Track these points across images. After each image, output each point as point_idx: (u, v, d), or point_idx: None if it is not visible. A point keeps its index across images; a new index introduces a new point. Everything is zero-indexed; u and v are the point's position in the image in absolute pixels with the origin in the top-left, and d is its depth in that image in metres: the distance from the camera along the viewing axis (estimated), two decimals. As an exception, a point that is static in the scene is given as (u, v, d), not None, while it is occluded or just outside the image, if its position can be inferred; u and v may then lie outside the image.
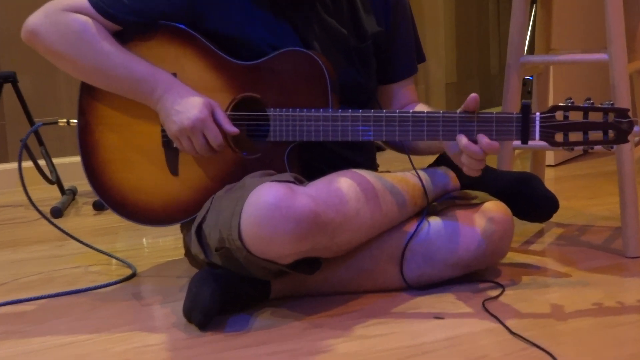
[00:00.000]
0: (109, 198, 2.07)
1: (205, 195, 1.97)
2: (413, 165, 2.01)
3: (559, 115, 1.78)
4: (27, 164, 3.17)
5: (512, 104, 2.36)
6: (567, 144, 1.78)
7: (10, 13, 3.63)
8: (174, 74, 1.97)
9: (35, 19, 1.98)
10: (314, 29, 2.02)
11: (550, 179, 3.34)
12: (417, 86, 2.21)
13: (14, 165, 3.55)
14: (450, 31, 4.81)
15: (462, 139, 1.80)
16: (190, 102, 1.91)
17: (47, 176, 3.13)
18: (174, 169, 2.02)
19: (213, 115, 1.92)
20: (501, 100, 2.42)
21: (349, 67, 2.05)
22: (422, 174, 2.03)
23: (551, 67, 2.82)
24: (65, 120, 2.96)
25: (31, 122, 3.17)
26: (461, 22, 4.90)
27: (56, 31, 1.96)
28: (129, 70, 1.95)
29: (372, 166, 2.17)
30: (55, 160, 3.30)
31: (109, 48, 1.95)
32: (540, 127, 1.78)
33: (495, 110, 4.88)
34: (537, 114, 1.78)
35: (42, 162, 3.17)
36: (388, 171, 2.08)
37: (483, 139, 1.79)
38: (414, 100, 2.19)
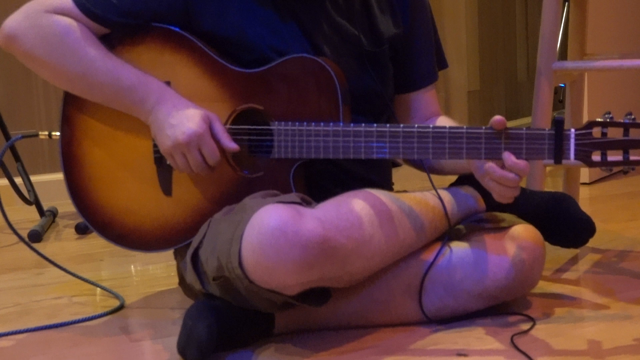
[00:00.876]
0: (94, 219, 2.08)
1: (202, 218, 1.98)
2: (433, 185, 2.01)
3: (596, 131, 1.78)
4: (2, 181, 3.19)
5: (542, 116, 2.37)
6: (606, 164, 1.78)
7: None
8: (167, 83, 1.99)
9: (13, 21, 2.00)
10: (324, 30, 2.03)
11: (585, 199, 3.34)
12: (437, 94, 2.21)
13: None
14: (472, 32, 4.82)
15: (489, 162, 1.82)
16: (185, 114, 1.93)
17: (24, 196, 3.15)
18: (167, 189, 2.03)
19: (211, 129, 1.93)
20: (530, 110, 2.42)
21: (362, 74, 2.06)
22: (443, 194, 2.03)
23: (586, 74, 2.83)
24: (46, 132, 2.98)
25: (6, 134, 3.19)
26: (485, 22, 4.91)
27: (36, 34, 1.98)
28: (116, 77, 1.97)
29: (388, 185, 2.18)
30: (33, 178, 3.31)
31: (94, 53, 1.97)
32: (576, 145, 1.79)
33: (524, 121, 4.91)
34: (572, 130, 1.79)
35: (18, 180, 3.18)
36: (405, 191, 2.09)
37: (509, 157, 1.80)
38: (435, 111, 2.20)
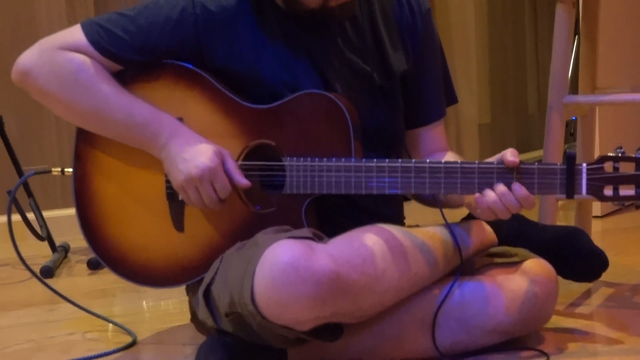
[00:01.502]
0: (106, 255, 2.08)
1: (214, 253, 1.98)
2: (445, 219, 2.01)
3: (607, 166, 1.79)
4: (14, 217, 3.20)
5: (554, 150, 2.38)
6: (618, 199, 1.79)
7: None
8: (180, 119, 2.00)
9: (27, 58, 2.01)
10: (335, 66, 2.04)
11: (598, 232, 3.34)
12: (448, 127, 2.21)
13: (1, 218, 3.57)
14: (483, 64, 4.83)
15: (500, 186, 1.82)
16: (198, 149, 1.94)
17: (36, 231, 3.16)
18: (179, 224, 2.03)
19: (223, 164, 1.94)
20: (541, 143, 2.43)
21: (374, 108, 2.06)
22: (455, 228, 2.03)
23: (597, 108, 2.84)
24: (59, 169, 2.99)
25: (19, 169, 3.20)
26: (495, 53, 4.92)
27: (50, 71, 1.99)
28: (129, 113, 1.98)
29: (399, 219, 2.18)
30: (46, 214, 3.32)
31: (107, 90, 1.98)
32: (588, 180, 1.79)
33: (535, 154, 4.91)
34: (584, 165, 1.79)
35: (30, 216, 3.19)
36: (417, 225, 2.09)
37: (520, 189, 1.81)
38: (443, 147, 2.19)
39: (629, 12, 3.57)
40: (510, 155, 1.82)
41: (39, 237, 3.19)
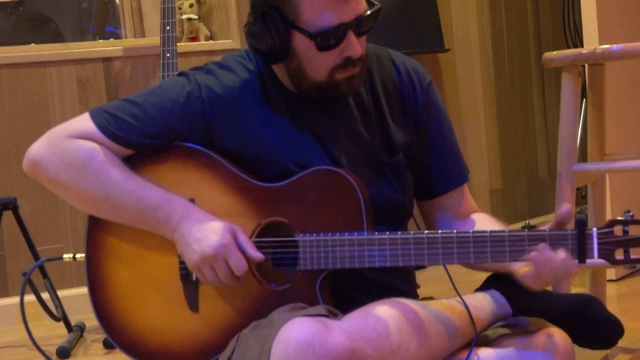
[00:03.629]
0: (121, 339, 2.08)
1: (230, 333, 1.98)
2: (457, 292, 2.01)
3: (617, 230, 1.80)
4: (30, 297, 3.21)
5: (565, 218, 2.37)
6: (629, 262, 1.80)
7: (9, 135, 3.73)
8: (192, 200, 2.01)
9: (37, 148, 2.03)
10: (340, 140, 2.06)
11: (613, 296, 3.32)
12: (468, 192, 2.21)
13: (16, 299, 3.58)
14: (492, 130, 4.85)
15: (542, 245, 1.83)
16: (210, 227, 1.95)
17: (51, 312, 3.16)
18: (193, 305, 2.04)
19: (236, 240, 1.95)
20: (553, 207, 2.44)
21: (380, 183, 2.07)
22: (469, 299, 2.03)
23: (607, 174, 2.85)
24: (70, 255, 3.00)
25: (33, 252, 3.23)
26: (504, 120, 4.94)
27: (60, 160, 2.01)
28: (140, 198, 1.99)
29: (413, 291, 2.17)
30: (61, 293, 3.34)
31: (117, 175, 2.00)
32: (599, 244, 1.80)
33: (547, 218, 4.91)
34: (594, 230, 1.81)
35: (45, 295, 3.20)
36: (431, 297, 2.09)
37: (563, 252, 1.81)
38: (470, 209, 2.19)
39: (635, 78, 3.60)
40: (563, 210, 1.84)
41: (55, 318, 3.19)
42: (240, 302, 2.00)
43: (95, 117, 2.03)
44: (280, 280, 1.99)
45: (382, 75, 2.12)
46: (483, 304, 2.05)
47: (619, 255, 1.81)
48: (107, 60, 4.01)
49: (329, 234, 1.94)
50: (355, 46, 1.96)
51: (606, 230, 1.81)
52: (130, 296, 2.07)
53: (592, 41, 3.34)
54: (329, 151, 2.05)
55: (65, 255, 3.00)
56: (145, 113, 2.02)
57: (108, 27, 5.02)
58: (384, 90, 2.11)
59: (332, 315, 1.88)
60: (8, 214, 3.25)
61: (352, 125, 2.08)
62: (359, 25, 1.96)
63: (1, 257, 3.71)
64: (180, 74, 2.10)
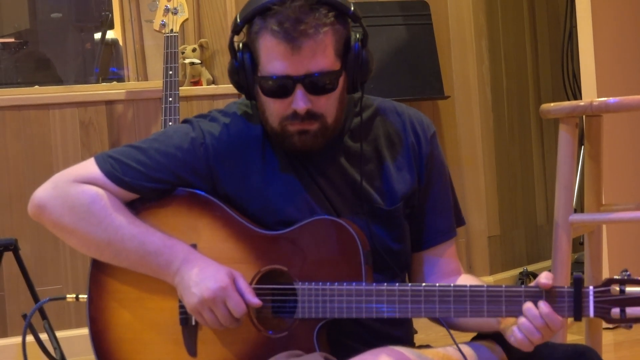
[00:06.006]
0: None
1: (227, 378, 1.99)
2: (454, 340, 2.01)
3: (614, 289, 1.81)
4: (29, 338, 3.21)
5: (562, 267, 2.40)
6: (625, 321, 1.81)
7: (11, 177, 3.75)
8: (194, 246, 2.04)
9: (42, 191, 2.05)
10: (339, 188, 2.08)
11: (610, 344, 3.32)
12: (457, 240, 2.22)
13: (15, 340, 3.59)
14: (491, 178, 4.87)
15: (527, 303, 1.84)
16: (209, 272, 1.97)
17: (50, 354, 3.17)
18: (191, 349, 2.04)
19: (235, 284, 1.97)
20: (551, 253, 2.46)
21: (378, 231, 2.08)
22: (465, 349, 2.03)
23: (604, 225, 2.87)
24: (73, 295, 3.01)
25: (33, 293, 3.23)
26: (503, 166, 4.96)
27: (64, 204, 2.03)
28: (142, 242, 2.01)
29: (410, 341, 2.18)
30: (59, 334, 3.34)
31: (121, 220, 2.02)
32: (595, 302, 1.82)
33: (545, 264, 4.92)
34: (591, 288, 1.82)
35: (44, 336, 3.21)
36: (428, 346, 2.10)
37: (546, 306, 1.83)
38: (455, 269, 2.18)
39: (632, 128, 3.63)
40: (544, 279, 1.85)
41: (52, 359, 3.20)
42: (238, 348, 2.01)
43: (100, 162, 2.05)
44: (279, 328, 2.00)
45: (387, 127, 2.13)
46: (480, 353, 2.05)
47: (616, 315, 1.82)
48: (110, 103, 4.04)
49: (328, 283, 1.96)
50: (298, 101, 1.97)
51: (603, 288, 1.82)
52: (130, 338, 2.08)
53: (590, 92, 3.38)
54: (327, 197, 2.07)
55: (68, 296, 3.01)
56: (149, 158, 2.05)
57: (111, 68, 5.06)
58: (387, 141, 2.12)
59: (329, 362, 1.89)
60: (9, 255, 3.26)
61: (351, 174, 2.09)
62: (310, 83, 1.97)
63: (1, 297, 3.72)
64: (185, 121, 2.13)
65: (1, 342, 3.63)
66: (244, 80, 2.02)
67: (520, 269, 4.93)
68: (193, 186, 2.06)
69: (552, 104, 2.49)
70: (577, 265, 4.23)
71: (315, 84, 1.97)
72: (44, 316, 3.26)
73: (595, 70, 3.34)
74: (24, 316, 2.32)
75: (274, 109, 2.00)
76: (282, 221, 2.03)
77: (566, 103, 2.47)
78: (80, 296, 2.96)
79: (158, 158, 2.05)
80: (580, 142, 3.35)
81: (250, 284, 2.00)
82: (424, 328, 2.27)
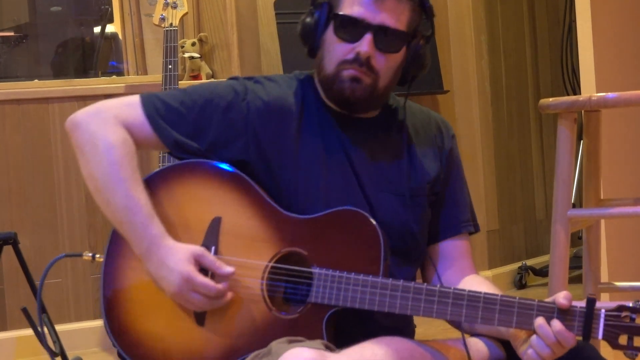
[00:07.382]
0: (121, 337, 2.07)
1: (231, 352, 2.00)
2: (462, 332, 2.00)
3: (624, 315, 1.82)
4: (28, 331, 3.23)
5: (560, 262, 2.41)
6: (631, 349, 1.82)
7: (11, 171, 3.76)
8: (219, 218, 2.05)
9: (84, 115, 2.09)
10: (369, 164, 2.12)
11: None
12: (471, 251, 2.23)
13: (14, 333, 3.60)
14: (490, 172, 4.88)
15: (539, 319, 1.85)
16: (169, 263, 1.98)
17: (49, 347, 3.18)
18: (200, 319, 2.04)
19: (201, 265, 1.98)
20: (549, 248, 2.47)
21: (400, 211, 2.12)
22: (477, 343, 2.04)
23: (602, 220, 2.87)
24: (90, 254, 3.00)
25: (32, 286, 3.24)
26: (501, 161, 4.97)
27: (91, 136, 2.06)
28: (125, 207, 2.02)
29: (411, 333, 2.19)
30: (58, 327, 3.34)
31: (124, 176, 2.03)
32: (605, 325, 1.83)
33: (544, 259, 4.93)
34: (603, 310, 1.83)
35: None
36: (429, 341, 2.11)
37: (558, 324, 1.84)
38: (467, 266, 2.21)
39: (631, 123, 3.64)
40: (562, 298, 1.87)
41: (52, 353, 3.20)
42: (246, 324, 2.02)
43: (144, 102, 2.10)
44: (290, 310, 2.01)
45: (414, 119, 2.20)
46: (479, 346, 2.06)
47: (623, 341, 1.83)
48: (110, 97, 4.03)
49: (345, 272, 1.97)
50: (363, 44, 2.03)
51: (615, 313, 1.83)
52: (141, 299, 2.08)
53: (589, 87, 3.38)
54: (356, 173, 2.10)
55: (84, 253, 3.00)
56: (193, 102, 2.10)
57: (111, 62, 5.07)
58: (414, 131, 2.19)
59: (329, 350, 1.89)
60: (8, 249, 3.26)
61: (381, 153, 2.14)
62: (380, 34, 2.04)
63: (0, 291, 3.73)
64: (231, 78, 2.19)
65: (1, 336, 3.64)
66: (314, 30, 2.09)
67: (519, 264, 4.94)
68: (227, 141, 2.09)
69: (550, 99, 2.51)
70: (576, 259, 4.25)
71: (384, 38, 2.05)
72: (43, 309, 3.26)
73: (594, 65, 3.35)
74: (24, 310, 2.32)
75: (336, 53, 2.07)
76: (307, 189, 2.07)
77: (565, 98, 2.48)
78: (96, 256, 2.96)
79: (200, 103, 2.10)
80: (579, 137, 3.35)
81: (269, 262, 2.02)
82: (422, 323, 2.27)
